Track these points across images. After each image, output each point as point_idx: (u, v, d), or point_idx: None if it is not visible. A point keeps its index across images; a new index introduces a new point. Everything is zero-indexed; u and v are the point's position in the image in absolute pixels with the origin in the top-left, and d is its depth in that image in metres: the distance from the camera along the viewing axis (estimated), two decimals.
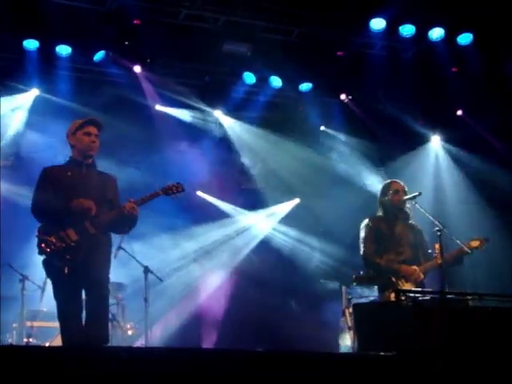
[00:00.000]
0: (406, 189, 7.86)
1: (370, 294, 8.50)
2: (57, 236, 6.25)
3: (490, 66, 11.23)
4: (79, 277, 6.22)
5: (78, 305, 6.28)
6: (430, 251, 7.70)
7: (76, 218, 6.30)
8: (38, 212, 6.46)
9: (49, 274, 6.47)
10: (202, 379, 4.58)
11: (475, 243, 7.66)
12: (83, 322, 6.25)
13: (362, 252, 7.61)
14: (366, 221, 7.79)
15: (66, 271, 6.20)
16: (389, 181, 8.12)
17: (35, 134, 11.34)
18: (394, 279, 7.36)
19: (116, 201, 6.68)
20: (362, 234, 7.69)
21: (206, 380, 4.58)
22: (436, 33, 10.76)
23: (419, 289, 7.22)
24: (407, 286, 7.31)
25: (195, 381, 4.56)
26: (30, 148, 11.45)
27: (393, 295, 6.93)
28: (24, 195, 9.71)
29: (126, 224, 6.63)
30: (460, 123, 12.37)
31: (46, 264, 6.39)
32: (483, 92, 11.55)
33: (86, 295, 6.30)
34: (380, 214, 7.82)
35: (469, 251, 7.48)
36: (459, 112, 12.35)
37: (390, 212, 7.74)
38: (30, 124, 11.31)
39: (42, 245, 6.29)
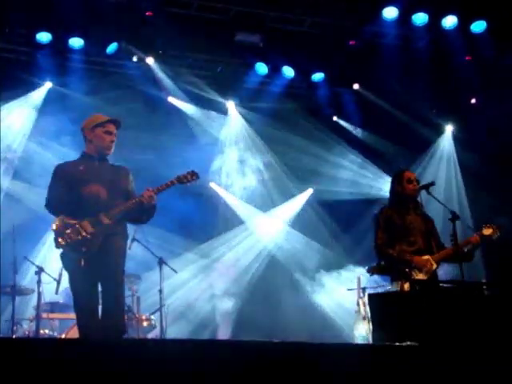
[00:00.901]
0: (418, 178, 7.82)
1: (385, 283, 8.49)
2: (73, 229, 6.29)
3: (504, 54, 11.17)
4: (95, 268, 6.24)
5: (94, 296, 6.30)
6: (441, 241, 7.67)
7: (90, 210, 6.33)
8: (51, 207, 6.49)
9: (66, 266, 6.50)
10: (216, 371, 4.59)
11: (488, 231, 7.57)
12: (99, 314, 6.29)
13: (374, 243, 7.58)
14: (377, 212, 7.75)
15: (83, 263, 6.23)
16: (401, 170, 8.08)
17: (47, 127, 11.36)
18: (407, 270, 7.33)
19: (132, 191, 6.69)
20: (375, 224, 7.65)
21: (220, 372, 4.59)
22: (449, 21, 10.71)
23: (433, 279, 7.19)
24: (420, 277, 7.27)
25: (210, 373, 4.58)
26: (43, 141, 11.50)
27: (407, 285, 6.92)
28: (36, 191, 9.85)
29: (144, 213, 6.62)
30: (474, 111, 12.31)
31: (63, 257, 6.43)
32: (497, 80, 11.49)
33: (101, 286, 6.33)
34: (391, 204, 7.77)
35: (480, 239, 7.42)
36: (473, 100, 12.28)
37: (403, 201, 7.69)
38: (42, 117, 11.34)
39: (59, 238, 6.32)
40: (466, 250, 7.49)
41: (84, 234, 6.25)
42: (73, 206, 6.35)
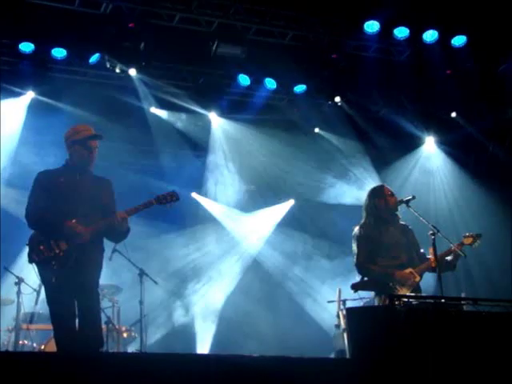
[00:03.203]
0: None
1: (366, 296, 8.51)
2: (46, 245, 6.29)
3: (484, 68, 11.27)
4: (70, 281, 6.23)
5: (70, 309, 6.28)
6: (422, 251, 7.70)
7: (66, 230, 6.31)
8: (31, 221, 6.49)
9: (42, 279, 6.50)
10: None
11: (468, 240, 7.63)
12: (77, 326, 6.27)
13: (355, 261, 7.57)
14: (356, 228, 7.69)
15: (54, 280, 6.22)
16: (380, 184, 8.11)
17: (31, 136, 11.34)
18: (390, 284, 7.34)
19: (110, 205, 6.67)
20: (354, 242, 7.63)
21: None
22: (430, 35, 10.78)
23: (413, 294, 7.21)
24: (403, 291, 7.29)
25: None
26: (26, 150, 11.47)
27: (387, 300, 6.94)
28: (19, 199, 9.79)
29: (116, 234, 6.65)
30: (454, 125, 12.40)
31: (38, 271, 6.44)
32: (477, 94, 11.59)
33: (77, 299, 6.31)
34: (369, 219, 7.74)
35: (460, 253, 7.46)
36: (453, 114, 12.38)
37: (382, 216, 7.69)
38: (26, 126, 11.31)
39: (32, 254, 6.34)
40: (448, 259, 7.55)
41: (57, 251, 6.26)
42: (51, 227, 6.34)
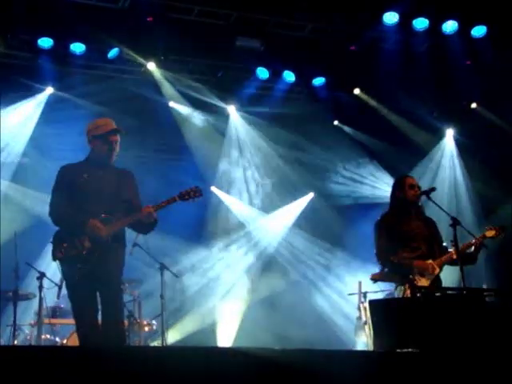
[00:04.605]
0: (419, 184, 7.81)
1: (387, 288, 8.48)
2: (70, 243, 6.30)
3: (504, 58, 11.18)
4: (93, 277, 6.24)
5: (93, 305, 6.30)
6: (444, 244, 7.66)
7: (89, 229, 6.31)
8: (54, 219, 6.50)
9: (63, 275, 6.51)
10: (217, 379, 4.60)
11: (490, 233, 7.54)
12: (99, 322, 6.29)
13: (375, 250, 7.56)
14: (378, 219, 7.72)
15: (77, 278, 6.24)
16: (402, 176, 8.08)
17: (50, 131, 11.39)
18: (410, 276, 7.31)
19: (135, 199, 6.65)
20: (375, 232, 7.63)
21: (222, 380, 4.60)
22: (449, 26, 10.70)
23: (434, 285, 7.19)
24: (423, 282, 7.26)
25: (212, 380, 4.59)
26: (45, 146, 11.53)
27: (408, 291, 6.92)
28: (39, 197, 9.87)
29: (143, 228, 6.65)
30: (474, 116, 12.32)
31: (61, 268, 6.45)
32: (497, 84, 11.50)
33: (100, 295, 6.31)
34: (392, 210, 7.75)
35: (482, 245, 7.41)
36: (473, 105, 12.30)
37: (404, 207, 7.68)
38: (44, 121, 11.36)
39: (56, 252, 6.35)
40: (469, 252, 7.49)
41: (81, 249, 6.25)
42: (74, 224, 6.35)
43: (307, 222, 13.77)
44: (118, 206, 6.48)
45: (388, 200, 7.89)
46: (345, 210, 13.15)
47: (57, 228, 6.49)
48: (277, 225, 13.90)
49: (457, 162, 13.01)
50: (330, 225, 13.45)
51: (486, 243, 7.48)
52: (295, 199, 13.93)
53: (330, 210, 13.45)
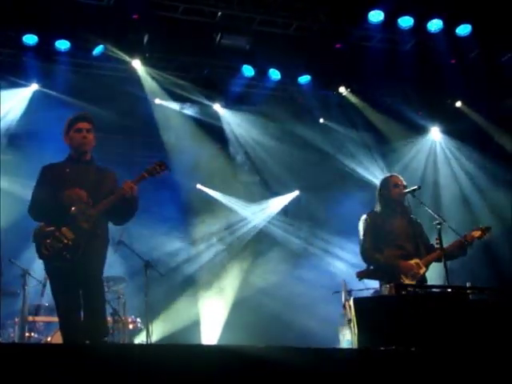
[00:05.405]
0: (405, 183, 7.85)
1: (371, 287, 8.49)
2: (53, 237, 6.26)
3: (489, 57, 11.23)
4: (76, 274, 6.22)
5: (76, 301, 6.28)
6: (431, 243, 7.71)
7: (70, 217, 6.28)
8: (33, 212, 6.48)
9: (47, 272, 6.49)
10: (201, 376, 4.60)
11: (476, 233, 7.63)
12: (82, 318, 6.28)
13: (361, 247, 7.59)
14: (364, 216, 7.74)
15: (65, 270, 6.21)
16: (388, 174, 8.13)
17: (34, 127, 11.32)
18: (395, 273, 7.35)
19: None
20: (361, 229, 7.66)
21: (207, 376, 4.60)
22: (434, 24, 10.73)
23: (419, 283, 7.22)
24: (408, 281, 7.30)
25: (196, 378, 4.59)
26: (29, 141, 11.45)
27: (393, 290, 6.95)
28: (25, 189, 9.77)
29: (128, 206, 6.54)
30: (459, 114, 12.37)
31: (45, 263, 6.42)
32: (482, 83, 11.55)
33: (82, 290, 6.28)
34: (378, 208, 7.78)
35: (468, 242, 7.48)
36: (458, 103, 12.35)
37: (389, 206, 7.73)
38: (28, 118, 11.30)
39: (42, 249, 6.30)
40: (455, 250, 7.54)
41: (65, 241, 6.22)
42: (54, 211, 6.31)
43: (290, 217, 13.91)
44: (100, 197, 6.43)
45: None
46: (330, 205, 13.14)
47: (35, 226, 6.45)
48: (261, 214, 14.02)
49: (441, 160, 13.05)
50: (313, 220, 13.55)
51: (471, 242, 7.55)
52: (279, 196, 14.03)
53: (314, 206, 13.52)
